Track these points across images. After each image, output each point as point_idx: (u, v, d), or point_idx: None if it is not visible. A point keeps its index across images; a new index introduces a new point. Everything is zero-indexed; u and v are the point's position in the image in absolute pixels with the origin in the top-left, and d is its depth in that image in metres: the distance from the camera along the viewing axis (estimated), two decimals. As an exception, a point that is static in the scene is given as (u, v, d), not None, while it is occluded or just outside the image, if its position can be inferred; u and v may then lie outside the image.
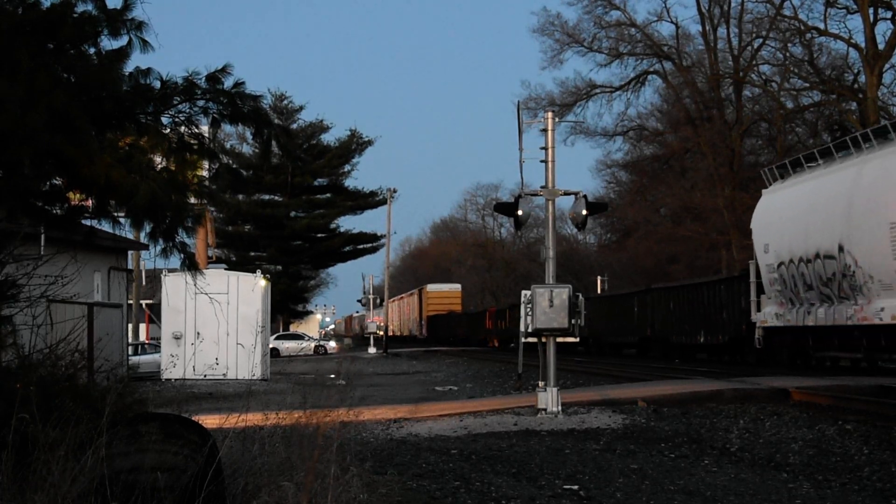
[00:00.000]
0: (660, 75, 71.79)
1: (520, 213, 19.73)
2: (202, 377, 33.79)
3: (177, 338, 35.19)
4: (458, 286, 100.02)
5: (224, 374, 34.43)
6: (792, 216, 30.69)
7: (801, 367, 30.84)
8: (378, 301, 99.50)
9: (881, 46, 55.11)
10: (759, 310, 33.22)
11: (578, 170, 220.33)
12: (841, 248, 27.59)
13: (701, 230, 63.92)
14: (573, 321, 18.88)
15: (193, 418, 8.97)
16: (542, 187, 19.94)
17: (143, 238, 27.38)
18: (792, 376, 26.13)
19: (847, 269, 27.32)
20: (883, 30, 67.95)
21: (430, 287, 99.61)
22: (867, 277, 26.47)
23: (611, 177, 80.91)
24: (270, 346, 46.22)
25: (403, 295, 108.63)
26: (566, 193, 19.98)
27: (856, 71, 59.37)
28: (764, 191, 34.31)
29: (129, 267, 42.54)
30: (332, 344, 74.68)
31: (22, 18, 8.39)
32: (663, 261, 69.04)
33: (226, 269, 42.94)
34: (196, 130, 9.40)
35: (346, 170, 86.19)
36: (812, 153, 31.69)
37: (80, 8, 8.83)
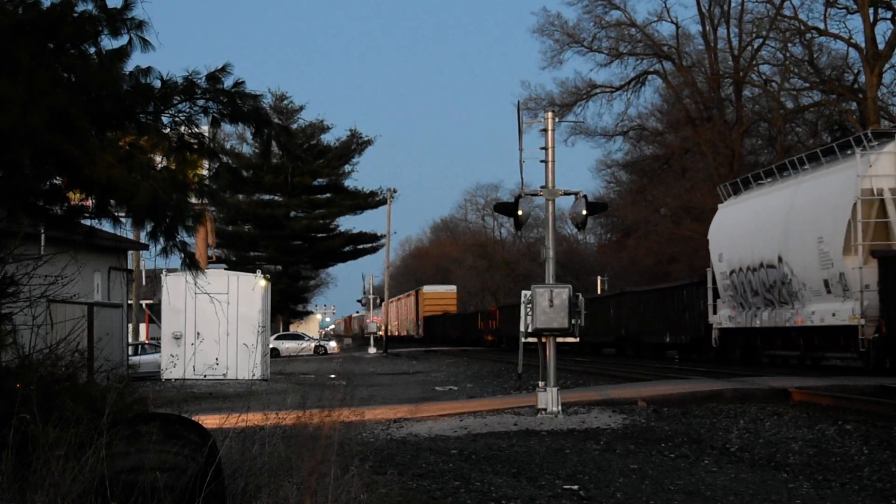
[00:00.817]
0: (660, 75, 71.81)
1: (520, 213, 19.73)
2: (202, 377, 33.78)
3: (177, 338, 35.18)
4: (453, 287, 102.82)
5: (224, 375, 34.42)
6: (742, 229, 35.12)
7: (752, 364, 34.56)
8: (378, 301, 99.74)
9: (881, 46, 55.11)
10: (714, 312, 37.32)
11: (578, 170, 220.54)
12: (780, 259, 32.01)
13: (701, 230, 63.79)
14: (573, 321, 18.88)
15: (193, 418, 8.96)
16: (542, 187, 19.94)
17: (143, 238, 27.39)
18: (792, 376, 26.13)
19: (785, 278, 31.72)
20: (883, 30, 67.95)
21: (427, 288, 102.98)
22: (801, 285, 30.77)
23: (611, 177, 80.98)
24: (270, 346, 46.22)
25: (401, 296, 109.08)
26: (566, 193, 19.98)
27: (856, 71, 59.41)
28: (720, 205, 38.65)
29: (129, 267, 42.54)
30: (332, 344, 74.67)
31: (22, 18, 8.38)
32: (663, 261, 69.04)
33: (226, 269, 42.95)
34: (196, 130, 9.39)
35: (346, 170, 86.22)
36: (759, 173, 36.58)
37: (81, 7, 8.82)
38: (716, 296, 37.21)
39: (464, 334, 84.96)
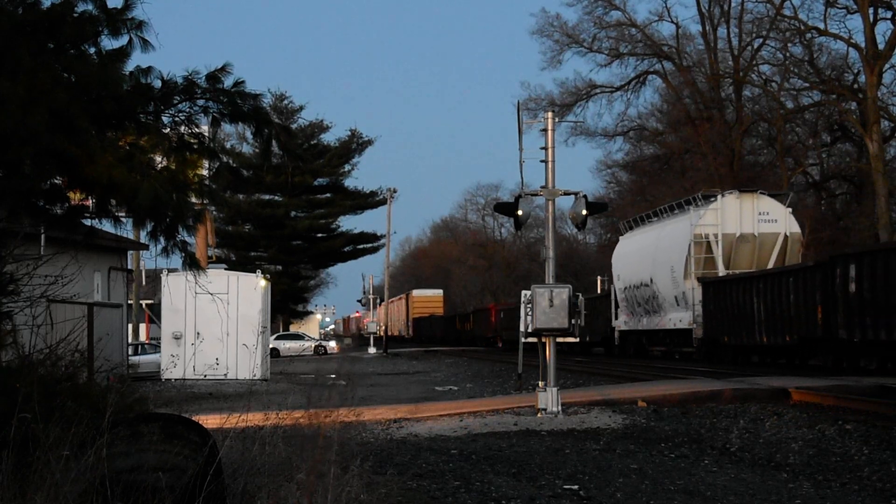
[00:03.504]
0: (660, 75, 71.80)
1: (520, 213, 19.73)
2: (202, 377, 33.76)
3: (177, 338, 35.17)
4: (440, 291, 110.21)
5: (225, 375, 34.41)
6: (630, 258, 48.21)
7: (644, 357, 45.94)
8: (378, 301, 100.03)
9: (881, 46, 55.10)
10: (616, 318, 49.78)
11: (578, 170, 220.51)
12: (651, 280, 44.57)
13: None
14: (573, 321, 18.89)
15: (194, 418, 8.97)
16: (542, 187, 19.94)
17: (143, 237, 27.38)
18: (792, 376, 26.14)
19: (654, 294, 44.39)
20: (883, 30, 67.95)
21: (416, 292, 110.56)
22: (663, 299, 43.52)
23: (611, 177, 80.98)
24: (270, 346, 46.20)
25: (393, 299, 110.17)
26: (566, 193, 19.98)
27: (856, 71, 59.39)
28: (620, 237, 52.45)
29: (129, 267, 42.53)
30: (333, 344, 74.63)
31: (22, 18, 8.38)
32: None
33: (226, 269, 42.88)
34: (196, 130, 9.39)
35: (346, 170, 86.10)
36: (645, 215, 49.26)
37: (81, 7, 8.82)
38: (616, 306, 49.56)
39: (447, 334, 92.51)
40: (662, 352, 45.05)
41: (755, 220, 40.98)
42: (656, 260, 44.15)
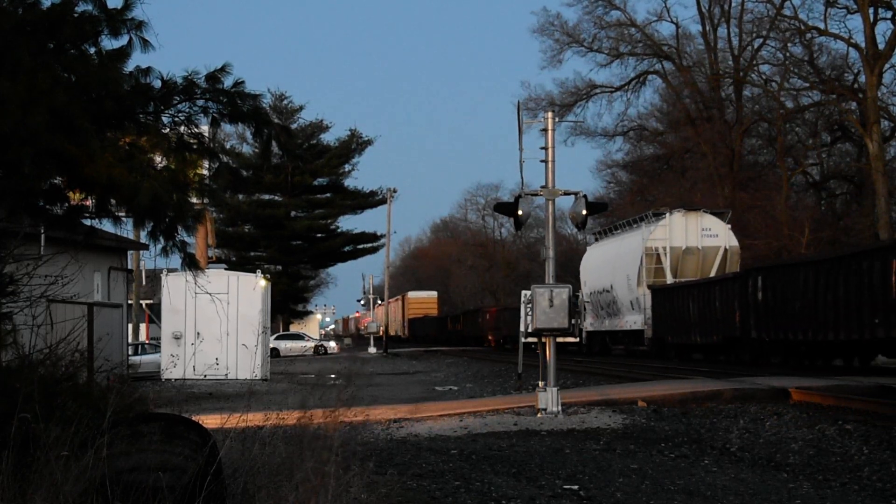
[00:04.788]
0: (660, 75, 71.81)
1: (520, 213, 19.72)
2: (202, 377, 33.76)
3: (177, 338, 35.16)
4: (434, 293, 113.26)
5: (225, 375, 34.41)
6: (595, 266, 53.60)
7: (607, 355, 50.97)
8: (377, 301, 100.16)
9: (881, 46, 55.09)
10: (584, 320, 52.12)
11: (578, 170, 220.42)
12: (611, 287, 49.99)
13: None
14: (573, 321, 18.88)
15: (194, 418, 8.97)
16: (542, 187, 19.93)
17: (143, 237, 27.38)
18: (792, 376, 26.14)
19: (614, 299, 49.86)
20: (883, 30, 67.94)
21: (411, 294, 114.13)
22: (621, 304, 49.16)
23: (611, 177, 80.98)
24: (270, 346, 46.18)
25: (390, 300, 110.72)
26: (566, 193, 19.98)
27: (856, 71, 59.41)
28: (588, 247, 58.08)
29: (129, 267, 42.51)
30: (333, 344, 74.59)
31: (22, 18, 8.38)
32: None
33: (226, 269, 42.85)
34: (196, 130, 9.38)
35: (346, 170, 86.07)
36: (610, 227, 54.57)
37: (81, 7, 8.82)
38: (584, 309, 51.79)
39: (439, 334, 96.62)
40: (621, 350, 51.24)
41: (699, 235, 46.54)
42: (615, 269, 50.06)
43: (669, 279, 45.65)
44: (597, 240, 56.23)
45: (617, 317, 50.02)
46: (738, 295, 35.93)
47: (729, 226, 47.33)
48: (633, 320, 47.66)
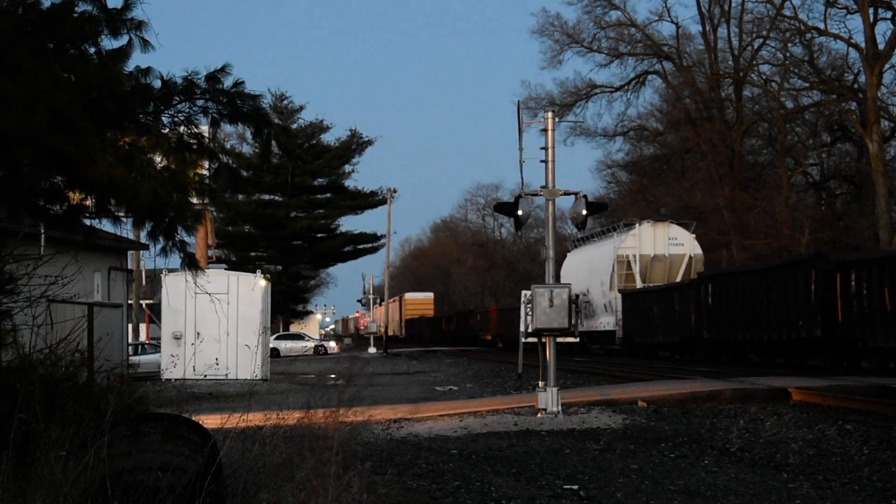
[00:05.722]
0: (660, 75, 71.77)
1: (520, 213, 19.72)
2: (202, 377, 33.76)
3: (177, 338, 35.15)
4: (430, 294, 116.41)
5: (225, 375, 34.40)
6: (574, 270, 56.11)
7: (586, 354, 52.76)
8: (377, 301, 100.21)
9: (881, 46, 55.07)
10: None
11: (578, 170, 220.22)
12: (588, 291, 52.87)
13: (701, 230, 63.91)
14: (573, 321, 18.88)
15: (194, 418, 8.96)
16: (542, 187, 19.92)
17: (143, 237, 27.36)
18: (792, 376, 26.15)
19: (590, 302, 53.00)
20: (883, 30, 67.94)
21: (408, 295, 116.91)
22: (596, 306, 53.25)
23: (611, 177, 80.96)
24: (271, 346, 46.16)
25: (389, 301, 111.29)
26: (566, 193, 19.97)
27: (856, 71, 59.38)
28: (568, 253, 61.03)
29: (129, 267, 42.50)
30: (333, 344, 74.56)
31: (22, 18, 8.38)
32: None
33: (226, 269, 42.83)
34: (196, 130, 9.38)
35: (346, 170, 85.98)
36: (587, 235, 57.43)
37: (81, 8, 8.81)
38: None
39: (434, 334, 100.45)
40: (597, 348, 54.98)
41: (666, 244, 51.24)
42: (591, 274, 54.26)
43: (639, 284, 49.89)
44: (576, 247, 60.43)
45: (593, 318, 53.22)
46: (692, 300, 40.22)
47: (693, 235, 51.79)
48: (607, 321, 51.84)
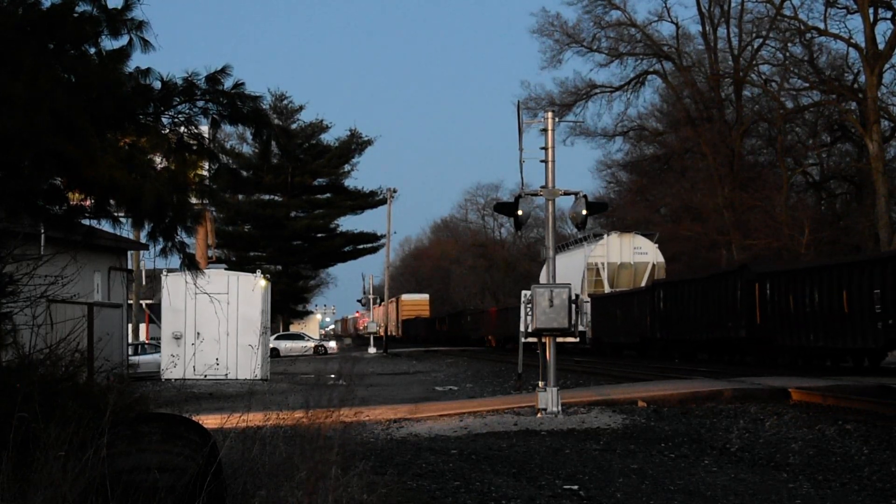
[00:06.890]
0: (660, 75, 71.79)
1: (520, 213, 19.72)
2: (202, 377, 33.74)
3: (177, 338, 35.15)
4: (426, 296, 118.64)
5: (225, 375, 34.39)
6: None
7: (562, 353, 60.75)
8: (377, 301, 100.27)
9: (881, 46, 55.07)
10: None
11: (578, 170, 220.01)
12: None
13: (701, 230, 63.95)
14: (573, 321, 18.88)
15: (194, 418, 8.97)
16: (542, 187, 19.93)
17: (142, 238, 27.36)
18: (792, 376, 26.16)
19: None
20: (883, 30, 67.98)
21: (405, 296, 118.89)
22: None
23: (611, 177, 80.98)
24: (270, 346, 46.15)
25: (386, 302, 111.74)
26: (566, 193, 19.98)
27: (856, 71, 59.38)
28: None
29: (129, 267, 42.49)
30: (332, 344, 74.54)
31: (23, 18, 8.38)
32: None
33: (226, 269, 42.81)
34: (195, 131, 9.38)
35: (346, 170, 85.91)
36: (563, 245, 61.51)
37: (81, 8, 8.81)
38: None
39: (428, 334, 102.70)
40: (571, 346, 57.00)
41: (632, 252, 56.63)
42: (565, 279, 59.69)
43: (607, 289, 55.04)
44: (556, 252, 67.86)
45: None
46: (648, 304, 44.92)
47: (657, 245, 57.33)
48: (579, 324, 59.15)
